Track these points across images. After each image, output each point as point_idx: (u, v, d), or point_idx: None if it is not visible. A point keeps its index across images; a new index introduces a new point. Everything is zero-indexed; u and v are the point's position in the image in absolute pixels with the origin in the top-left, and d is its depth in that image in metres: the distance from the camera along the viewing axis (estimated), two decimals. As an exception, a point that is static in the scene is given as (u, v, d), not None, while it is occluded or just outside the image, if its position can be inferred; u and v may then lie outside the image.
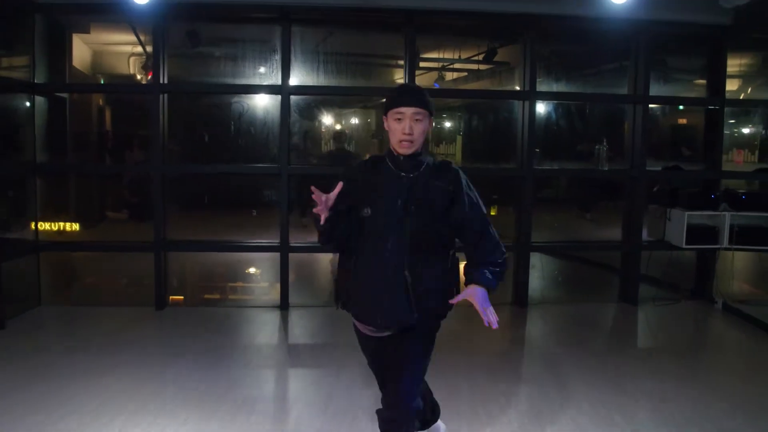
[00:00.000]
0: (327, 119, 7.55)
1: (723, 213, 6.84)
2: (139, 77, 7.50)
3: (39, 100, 6.62)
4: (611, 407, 4.36)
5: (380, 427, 2.89)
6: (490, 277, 2.84)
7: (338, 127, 7.59)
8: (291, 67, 6.61)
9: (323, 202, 2.68)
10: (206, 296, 7.13)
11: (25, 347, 5.43)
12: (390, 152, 2.93)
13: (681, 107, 7.78)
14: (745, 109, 7.76)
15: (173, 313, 6.59)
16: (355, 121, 7.93)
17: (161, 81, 6.52)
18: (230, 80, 6.82)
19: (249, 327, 6.20)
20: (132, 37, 7.34)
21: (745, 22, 6.70)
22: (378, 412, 2.92)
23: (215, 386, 4.62)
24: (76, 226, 6.99)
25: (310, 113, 7.29)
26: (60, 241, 6.91)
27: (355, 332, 3.09)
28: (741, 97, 7.77)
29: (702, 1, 6.02)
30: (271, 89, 6.68)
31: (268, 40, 6.78)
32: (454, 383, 4.71)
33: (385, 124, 2.93)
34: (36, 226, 6.66)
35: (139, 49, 7.40)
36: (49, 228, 6.84)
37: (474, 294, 2.80)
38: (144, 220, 7.49)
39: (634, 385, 4.81)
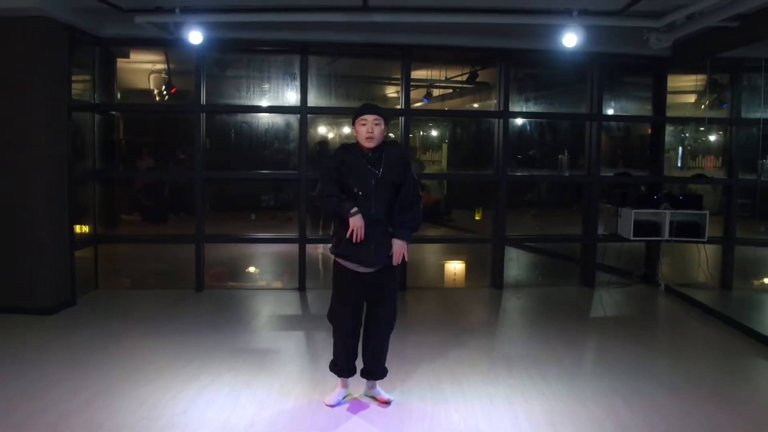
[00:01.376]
0: (337, 132, 9.00)
1: (664, 211, 8.25)
2: (156, 92, 8.78)
3: (97, 117, 7.95)
4: (562, 355, 5.79)
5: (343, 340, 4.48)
6: (409, 235, 4.38)
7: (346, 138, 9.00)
8: (308, 90, 8.00)
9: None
10: (233, 283, 8.51)
11: (97, 319, 6.76)
12: (359, 147, 4.31)
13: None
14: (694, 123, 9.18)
15: (211, 294, 7.94)
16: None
17: (201, 102, 7.88)
18: (257, 102, 8.19)
19: (277, 304, 7.55)
20: (151, 56, 8.67)
21: (681, 53, 8.10)
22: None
23: (259, 346, 6.02)
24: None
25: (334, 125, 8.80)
26: (114, 235, 8.27)
27: (339, 273, 4.40)
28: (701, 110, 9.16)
29: (639, 40, 7.33)
30: (292, 109, 8.09)
31: (289, 69, 8.18)
32: (444, 341, 6.14)
33: (353, 130, 4.33)
34: (95, 222, 7.98)
35: (158, 66, 8.70)
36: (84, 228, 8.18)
37: (402, 247, 4.35)
38: (157, 222, 8.85)
39: (582, 343, 6.29)
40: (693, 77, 9.17)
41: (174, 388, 4.80)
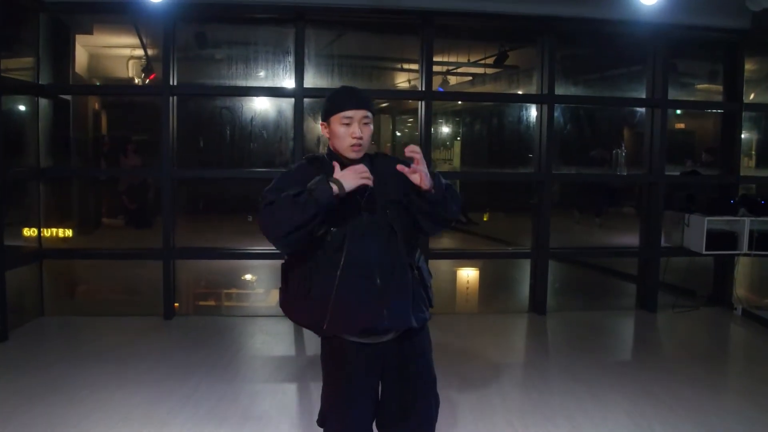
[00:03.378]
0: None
1: (742, 218, 6.72)
2: (137, 80, 7.36)
3: (43, 102, 6.41)
4: (648, 414, 4.21)
5: None
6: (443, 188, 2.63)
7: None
8: (305, 70, 6.43)
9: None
10: (210, 303, 6.95)
11: (33, 359, 5.20)
12: (334, 157, 2.70)
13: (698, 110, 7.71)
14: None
15: (184, 323, 6.36)
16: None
17: (171, 83, 6.32)
18: (242, 82, 6.63)
19: (265, 338, 5.99)
20: (131, 40, 7.25)
21: (763, 26, 6.61)
22: None
23: (235, 411, 4.41)
24: (69, 233, 6.79)
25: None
26: (64, 249, 6.69)
27: (337, 352, 2.72)
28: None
29: (725, 4, 5.85)
30: (284, 92, 6.51)
31: (281, 42, 6.62)
32: (484, 395, 4.55)
33: (324, 130, 2.69)
34: (39, 233, 6.43)
35: (138, 52, 7.29)
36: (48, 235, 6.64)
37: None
38: (141, 227, 7.45)
39: (662, 391, 4.68)
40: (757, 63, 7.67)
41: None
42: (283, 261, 2.81)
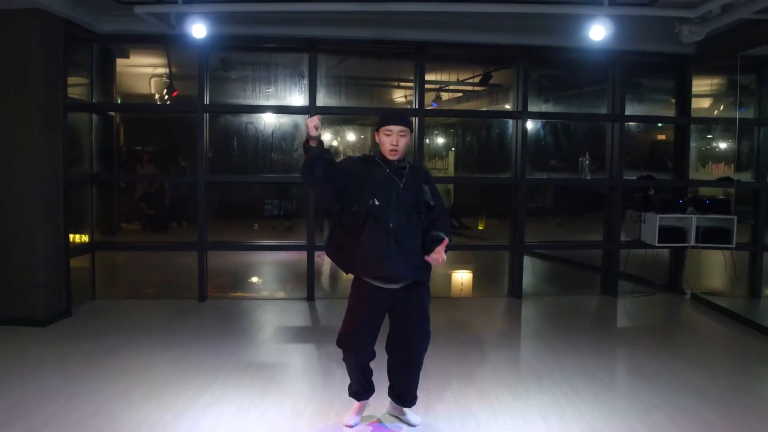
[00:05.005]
0: (348, 134, 8.64)
1: (690, 216, 7.86)
2: (156, 96, 8.44)
3: (95, 117, 7.57)
4: (594, 368, 5.38)
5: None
6: (449, 234, 3.90)
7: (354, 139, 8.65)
8: (317, 91, 7.61)
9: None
10: (237, 293, 8.11)
11: (91, 332, 6.31)
12: (382, 157, 3.91)
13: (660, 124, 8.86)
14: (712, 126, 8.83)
15: (215, 304, 7.52)
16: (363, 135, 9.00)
17: (205, 102, 7.49)
18: (263, 101, 7.80)
19: (285, 314, 7.13)
20: (152, 60, 8.35)
21: (706, 52, 7.76)
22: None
23: (267, 361, 5.61)
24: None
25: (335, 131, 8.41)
26: (113, 242, 7.87)
27: (359, 289, 3.95)
28: (714, 114, 8.84)
29: (666, 35, 6.96)
30: (299, 109, 7.70)
31: (297, 67, 7.80)
32: (467, 352, 5.73)
33: (377, 138, 3.92)
34: (92, 228, 7.58)
35: (159, 70, 8.36)
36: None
37: (442, 247, 3.80)
38: (157, 231, 8.47)
39: (612, 354, 5.88)
40: (708, 81, 8.82)
41: (176, 407, 4.39)
42: (331, 224, 4.12)
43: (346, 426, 4.11)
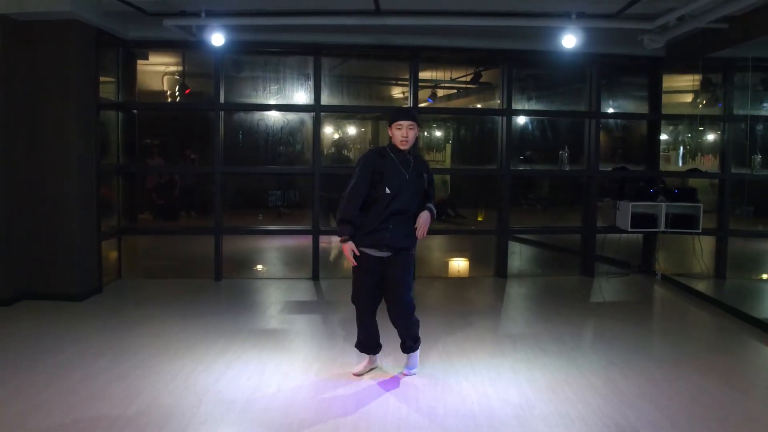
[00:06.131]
0: (349, 128, 9.46)
1: (660, 204, 8.64)
2: (168, 93, 9.21)
3: (121, 115, 8.38)
4: (563, 334, 6.21)
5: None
6: (434, 210, 4.85)
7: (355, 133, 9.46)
8: (321, 90, 8.42)
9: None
10: (249, 275, 8.93)
11: (121, 306, 7.17)
12: (393, 148, 4.72)
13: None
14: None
15: (230, 283, 8.35)
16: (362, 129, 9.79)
17: (220, 100, 8.31)
18: (273, 100, 8.64)
19: (293, 292, 7.96)
20: (165, 59, 9.12)
21: (675, 54, 8.53)
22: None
23: (279, 327, 6.47)
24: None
25: (336, 125, 9.24)
26: (137, 227, 8.71)
27: (359, 259, 4.74)
28: (698, 110, 9.54)
29: (634, 41, 7.70)
30: (306, 108, 8.53)
31: (303, 68, 8.63)
32: (452, 323, 6.57)
33: (389, 132, 4.73)
34: (119, 215, 8.41)
35: (171, 68, 9.14)
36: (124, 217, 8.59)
37: (426, 215, 4.74)
38: (168, 220, 9.27)
39: (582, 324, 6.71)
40: (690, 77, 9.55)
41: (205, 361, 5.23)
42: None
43: (353, 374, 4.98)
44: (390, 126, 4.73)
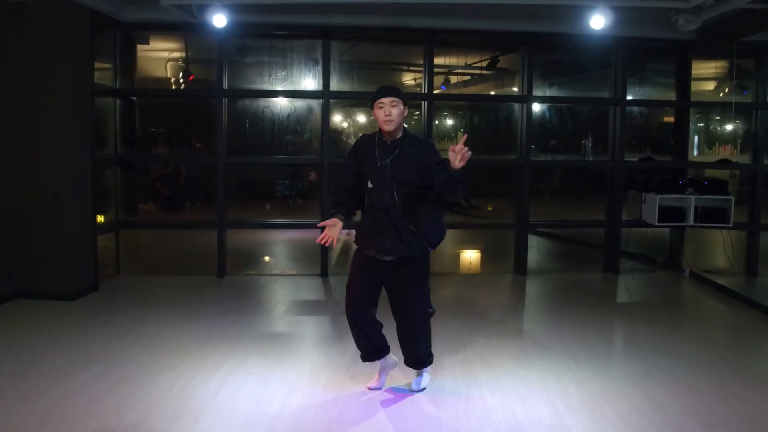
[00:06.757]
0: (359, 116, 8.99)
1: (689, 196, 8.15)
2: (172, 80, 8.77)
3: (119, 102, 7.92)
4: (592, 339, 5.73)
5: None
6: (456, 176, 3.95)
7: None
8: (330, 76, 7.94)
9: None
10: (253, 271, 8.49)
11: (118, 305, 6.70)
12: (378, 135, 4.19)
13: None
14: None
15: (233, 280, 7.91)
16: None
17: (223, 87, 7.83)
18: (279, 86, 8.15)
19: (300, 289, 7.51)
20: (168, 45, 8.66)
21: (706, 37, 8.01)
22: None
23: (285, 331, 6.01)
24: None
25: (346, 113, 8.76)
26: (136, 220, 8.26)
27: (354, 257, 4.35)
28: (720, 98, 9.11)
29: (665, 23, 7.22)
30: (314, 94, 8.05)
31: (311, 53, 8.14)
32: (471, 326, 6.10)
33: (373, 114, 4.15)
34: (117, 208, 7.96)
35: (175, 54, 8.69)
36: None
37: (450, 158, 3.91)
38: (173, 211, 8.83)
39: (611, 327, 6.24)
40: (712, 64, 9.07)
41: (203, 371, 4.77)
42: None
43: (369, 389, 4.50)
44: (372, 108, 4.19)
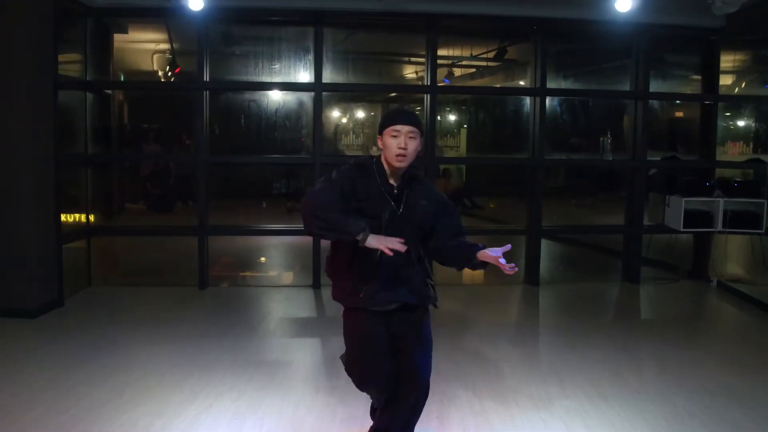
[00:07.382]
0: (356, 112, 8.25)
1: (717, 199, 7.41)
2: (160, 73, 8.06)
3: (89, 96, 7.17)
4: (621, 368, 4.98)
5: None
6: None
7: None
8: (323, 66, 7.17)
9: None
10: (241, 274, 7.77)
11: (86, 322, 5.99)
12: (381, 164, 3.20)
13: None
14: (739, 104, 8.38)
15: (216, 292, 7.17)
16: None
17: (205, 78, 7.08)
18: (267, 78, 7.39)
19: (288, 304, 6.77)
20: (155, 36, 7.99)
21: (737, 25, 7.28)
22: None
23: (267, 358, 5.26)
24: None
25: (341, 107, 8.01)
26: (110, 226, 7.51)
27: (351, 322, 3.32)
28: (735, 92, 8.36)
29: (696, 7, 6.51)
30: (305, 86, 7.29)
31: (301, 41, 7.38)
32: (481, 348, 5.35)
33: (380, 142, 3.18)
34: (88, 212, 7.21)
35: (162, 46, 8.01)
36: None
37: (489, 252, 3.12)
38: (162, 211, 8.18)
39: (639, 351, 5.49)
40: (733, 56, 8.32)
41: (166, 414, 4.02)
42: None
43: None
44: (381, 133, 3.18)
